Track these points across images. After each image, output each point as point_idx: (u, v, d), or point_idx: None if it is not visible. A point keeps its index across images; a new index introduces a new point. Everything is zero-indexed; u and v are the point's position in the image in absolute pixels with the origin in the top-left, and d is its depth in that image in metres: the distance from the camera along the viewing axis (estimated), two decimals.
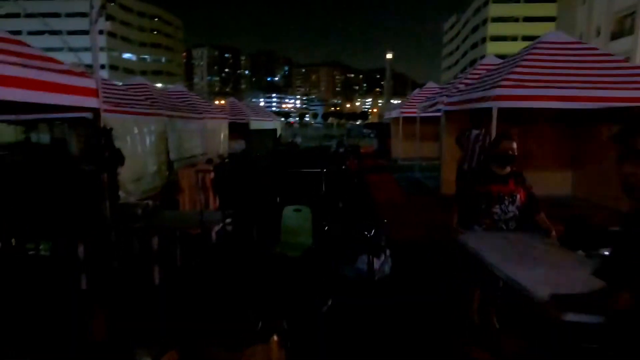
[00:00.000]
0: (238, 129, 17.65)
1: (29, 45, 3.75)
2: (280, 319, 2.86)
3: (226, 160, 12.03)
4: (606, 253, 4.94)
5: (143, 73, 74.54)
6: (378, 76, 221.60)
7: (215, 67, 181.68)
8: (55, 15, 64.16)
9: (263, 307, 3.76)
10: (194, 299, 4.08)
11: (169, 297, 4.22)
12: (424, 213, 8.07)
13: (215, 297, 4.01)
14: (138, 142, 10.12)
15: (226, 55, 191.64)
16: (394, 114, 18.85)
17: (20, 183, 4.47)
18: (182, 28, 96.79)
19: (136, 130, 10.12)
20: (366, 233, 3.97)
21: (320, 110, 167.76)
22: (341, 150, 15.80)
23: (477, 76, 9.44)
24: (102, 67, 63.27)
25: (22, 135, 12.99)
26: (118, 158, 4.33)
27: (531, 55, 7.25)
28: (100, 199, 4.04)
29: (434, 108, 10.80)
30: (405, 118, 16.73)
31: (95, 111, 4.18)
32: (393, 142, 19.41)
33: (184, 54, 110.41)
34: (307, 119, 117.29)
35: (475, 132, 6.69)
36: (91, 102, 4.09)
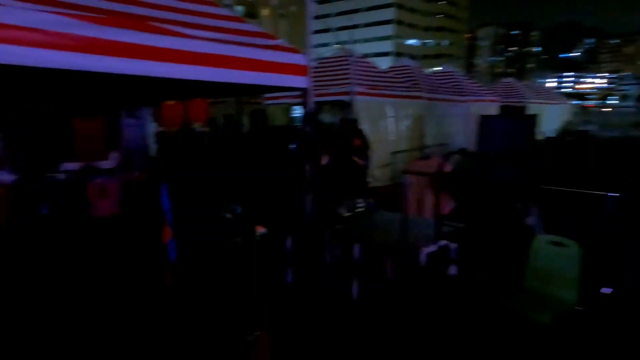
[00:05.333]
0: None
1: (236, 19, 3.50)
2: None
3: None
4: None
5: (425, 57, 76.52)
6: None
7: (502, 46, 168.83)
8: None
9: None
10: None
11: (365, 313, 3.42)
12: None
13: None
14: (391, 127, 9.72)
15: (514, 32, 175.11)
16: None
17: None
18: (467, 8, 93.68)
19: (390, 114, 9.72)
20: None
21: (633, 90, 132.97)
22: None
23: None
24: (387, 54, 68.02)
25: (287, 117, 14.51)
26: (325, 148, 3.72)
27: None
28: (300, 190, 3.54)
29: None
30: None
31: (304, 91, 3.64)
32: None
33: (468, 35, 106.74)
34: (612, 101, 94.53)
35: None
36: (298, 81, 3.56)
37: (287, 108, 13.82)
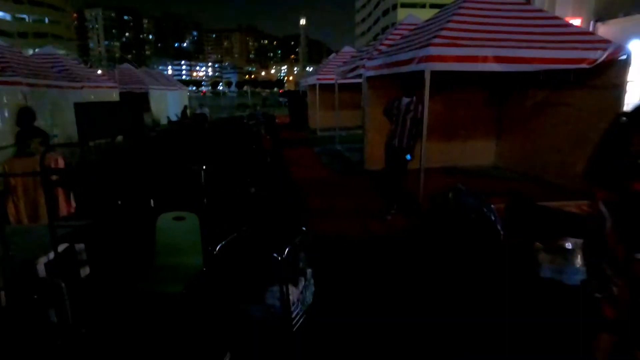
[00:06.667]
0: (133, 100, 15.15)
1: None
2: None
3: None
4: (569, 246, 4.23)
5: (22, 35, 64.43)
6: (293, 43, 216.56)
7: (114, 31, 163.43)
8: None
9: None
10: None
11: None
12: (354, 196, 6.92)
13: None
14: None
15: (125, 17, 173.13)
16: (310, 81, 17.52)
17: None
18: None
19: None
20: (275, 255, 2.72)
21: (234, 78, 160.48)
22: (252, 122, 14.15)
23: (399, 37, 8.39)
24: None
25: None
26: None
27: (463, 9, 6.30)
28: None
29: (354, 73, 9.67)
30: (322, 85, 15.49)
31: None
32: (310, 112, 18.17)
33: (75, 14, 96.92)
34: (220, 87, 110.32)
35: (406, 100, 5.64)
36: None
37: None
